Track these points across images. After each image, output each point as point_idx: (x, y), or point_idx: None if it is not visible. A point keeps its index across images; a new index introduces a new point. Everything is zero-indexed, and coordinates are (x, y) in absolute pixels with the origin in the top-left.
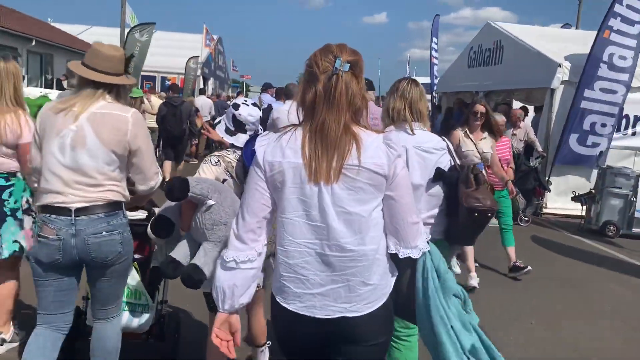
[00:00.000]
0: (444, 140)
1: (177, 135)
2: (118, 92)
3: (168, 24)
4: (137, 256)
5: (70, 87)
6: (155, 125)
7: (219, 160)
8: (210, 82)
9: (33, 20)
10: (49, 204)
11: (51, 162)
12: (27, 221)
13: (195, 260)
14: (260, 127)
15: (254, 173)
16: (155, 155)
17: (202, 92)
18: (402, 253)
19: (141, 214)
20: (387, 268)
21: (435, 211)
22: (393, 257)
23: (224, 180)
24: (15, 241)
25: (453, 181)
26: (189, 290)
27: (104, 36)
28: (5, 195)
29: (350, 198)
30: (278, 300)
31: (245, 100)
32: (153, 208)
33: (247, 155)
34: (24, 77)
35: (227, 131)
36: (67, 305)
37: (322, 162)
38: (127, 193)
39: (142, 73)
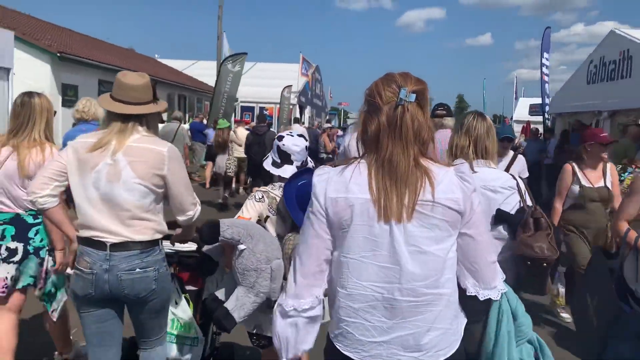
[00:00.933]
0: (514, 178)
1: (261, 163)
2: (148, 121)
3: (267, 55)
4: (189, 288)
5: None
6: (244, 155)
7: (262, 196)
8: (307, 110)
9: (143, 57)
10: (86, 237)
11: (86, 196)
12: (49, 260)
13: (227, 304)
14: (309, 159)
15: (312, 211)
16: (246, 183)
17: (297, 121)
18: (482, 295)
19: (192, 246)
20: (459, 312)
21: (504, 256)
22: (464, 301)
23: (267, 217)
24: (32, 276)
25: (516, 224)
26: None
27: (207, 69)
28: (31, 234)
29: (425, 236)
30: (338, 347)
31: (291, 132)
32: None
33: (288, 192)
34: None
35: (274, 164)
36: (110, 338)
37: (391, 198)
38: (164, 227)
39: (241, 104)
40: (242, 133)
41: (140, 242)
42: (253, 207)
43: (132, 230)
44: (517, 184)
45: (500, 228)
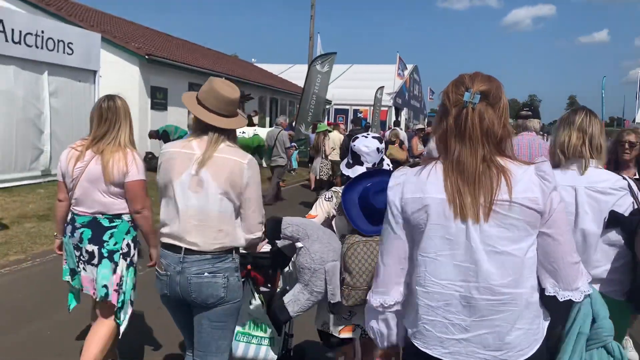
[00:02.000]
0: (624, 179)
1: None
2: (231, 134)
3: (364, 57)
4: (264, 289)
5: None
6: (338, 158)
7: (332, 196)
8: (404, 112)
9: (233, 60)
10: (166, 242)
11: (172, 203)
12: (122, 265)
13: (285, 297)
14: (387, 161)
15: (390, 212)
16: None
17: (396, 124)
18: (562, 296)
19: (266, 247)
20: (540, 312)
21: (617, 265)
22: (547, 302)
23: (334, 216)
24: (105, 286)
25: (633, 228)
26: (312, 322)
27: (302, 72)
28: (106, 237)
29: (502, 236)
30: (416, 344)
31: (367, 133)
32: (276, 243)
33: (348, 192)
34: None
35: (347, 164)
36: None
37: (465, 198)
38: (240, 241)
39: (335, 106)
40: (336, 136)
41: (214, 248)
42: (322, 206)
43: (208, 240)
44: (629, 185)
45: (612, 234)
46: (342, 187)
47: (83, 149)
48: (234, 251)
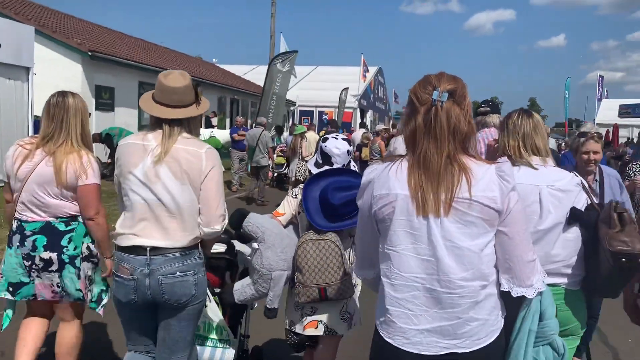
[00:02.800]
0: (576, 175)
1: None
2: (189, 123)
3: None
4: (218, 290)
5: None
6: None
7: (298, 193)
8: (369, 114)
9: (189, 58)
10: (127, 244)
11: (129, 198)
12: (85, 269)
13: (236, 284)
14: (352, 163)
15: (361, 205)
16: None
17: (363, 125)
18: (515, 292)
19: (221, 247)
20: (498, 304)
21: (574, 259)
22: (503, 296)
23: (299, 212)
24: (78, 289)
25: (591, 223)
26: (271, 323)
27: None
28: (64, 242)
29: (461, 232)
30: (382, 334)
31: (336, 135)
32: (232, 240)
33: (309, 189)
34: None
35: (316, 164)
36: (149, 337)
37: (427, 194)
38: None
39: (299, 108)
40: (312, 137)
41: (180, 247)
42: (289, 203)
43: (172, 234)
44: (582, 182)
45: (572, 229)
46: None
47: (32, 147)
48: (199, 244)
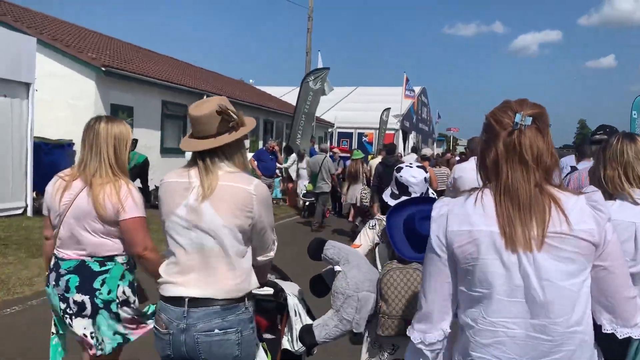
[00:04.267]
0: None
1: None
2: (225, 153)
3: (369, 79)
4: (267, 336)
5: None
6: None
7: (375, 224)
8: (412, 136)
9: (219, 77)
10: (165, 294)
11: (170, 242)
12: (125, 314)
13: (315, 320)
14: (431, 190)
15: (432, 246)
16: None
17: (414, 150)
18: (621, 333)
19: (269, 290)
20: (594, 352)
21: None
22: (600, 340)
23: (377, 244)
24: (117, 333)
25: None
26: None
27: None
28: (97, 284)
29: (557, 270)
30: None
31: (411, 164)
32: (279, 283)
33: (393, 219)
34: None
35: (392, 195)
36: None
37: (516, 227)
38: (252, 282)
39: (338, 130)
40: (375, 163)
41: (223, 298)
42: (366, 235)
43: (215, 284)
44: None
45: None
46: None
47: (70, 178)
48: (246, 298)
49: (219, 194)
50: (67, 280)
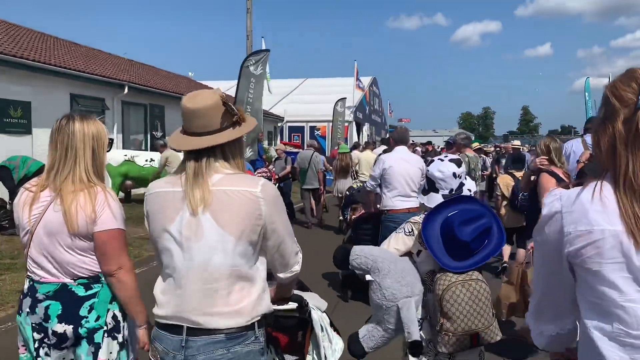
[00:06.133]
0: None
1: None
2: (225, 152)
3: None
4: (289, 357)
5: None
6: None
7: (412, 229)
8: (365, 127)
9: (142, 66)
10: (161, 321)
11: (165, 262)
12: (108, 347)
13: (360, 331)
14: (467, 186)
15: (543, 245)
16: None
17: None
18: None
19: (292, 304)
20: None
21: None
22: None
23: (419, 252)
24: None
25: None
26: None
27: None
28: (83, 311)
29: None
30: None
31: (443, 156)
32: (304, 298)
33: (428, 225)
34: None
35: (423, 191)
36: None
37: None
38: (264, 305)
39: (288, 124)
40: (369, 157)
41: (227, 327)
42: (402, 240)
43: (219, 309)
44: None
45: None
46: (422, 217)
47: (37, 189)
48: (256, 325)
49: (220, 202)
50: (46, 308)
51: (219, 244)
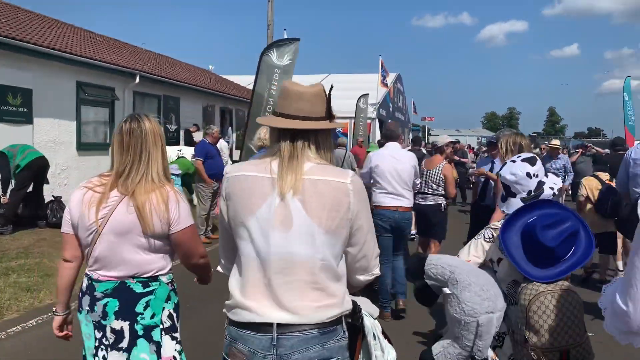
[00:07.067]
0: None
1: None
2: (318, 142)
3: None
4: None
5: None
6: None
7: (492, 235)
8: None
9: (168, 60)
10: (242, 320)
11: (247, 252)
12: (168, 346)
13: (434, 347)
14: (550, 184)
15: None
16: None
17: (416, 140)
18: None
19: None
20: None
21: None
22: None
23: (499, 259)
24: None
25: None
26: None
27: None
28: (139, 308)
29: None
30: None
31: (516, 157)
32: (357, 303)
33: (507, 232)
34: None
35: (502, 197)
36: None
37: None
38: (347, 300)
39: None
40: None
41: (320, 322)
42: (480, 247)
43: (309, 304)
44: None
45: None
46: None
47: (105, 189)
48: (343, 320)
49: (311, 190)
50: (105, 305)
51: (308, 236)
